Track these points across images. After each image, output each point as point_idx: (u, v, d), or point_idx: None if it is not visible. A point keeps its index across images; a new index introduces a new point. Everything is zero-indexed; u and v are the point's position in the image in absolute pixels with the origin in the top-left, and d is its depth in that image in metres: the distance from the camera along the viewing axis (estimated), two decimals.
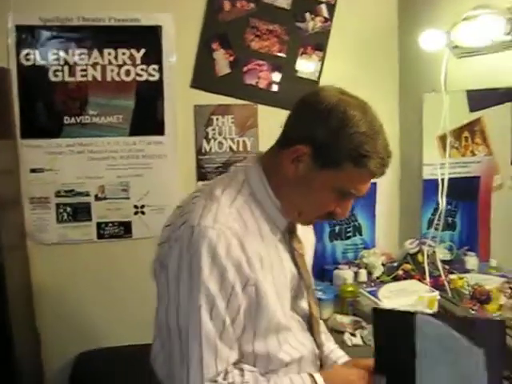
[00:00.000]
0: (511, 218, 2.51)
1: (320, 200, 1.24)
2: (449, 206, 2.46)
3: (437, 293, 2.18)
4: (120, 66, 2.41)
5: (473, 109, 2.47)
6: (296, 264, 1.34)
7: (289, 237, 1.33)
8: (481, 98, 2.39)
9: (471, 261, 2.45)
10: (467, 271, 2.41)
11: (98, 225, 2.48)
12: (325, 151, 1.17)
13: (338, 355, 1.47)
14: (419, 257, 2.45)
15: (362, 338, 2.02)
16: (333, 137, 1.16)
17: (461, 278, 2.16)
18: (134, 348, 2.30)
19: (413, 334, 1.35)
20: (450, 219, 2.50)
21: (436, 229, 2.53)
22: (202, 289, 1.13)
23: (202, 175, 2.52)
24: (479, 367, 1.22)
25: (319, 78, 2.57)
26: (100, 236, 2.49)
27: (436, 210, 2.55)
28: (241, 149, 2.54)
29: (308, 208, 1.27)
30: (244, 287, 1.16)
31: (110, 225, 2.48)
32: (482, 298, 2.03)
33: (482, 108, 2.49)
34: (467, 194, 2.48)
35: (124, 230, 2.50)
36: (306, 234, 1.42)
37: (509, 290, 2.03)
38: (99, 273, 2.52)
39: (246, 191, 1.25)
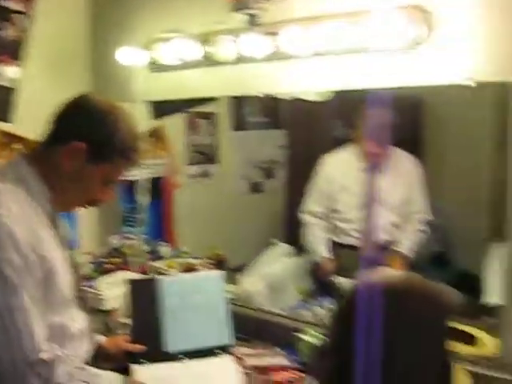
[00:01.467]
0: (190, 211, 3.03)
1: (90, 189, 1.52)
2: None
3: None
4: None
5: (156, 117, 2.90)
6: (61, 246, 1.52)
7: (53, 223, 1.51)
8: (162, 108, 2.84)
9: (164, 250, 2.87)
10: (162, 258, 2.82)
11: None
12: (100, 149, 1.45)
13: None
14: (124, 250, 2.73)
15: None
16: (108, 137, 1.46)
17: (173, 262, 2.55)
18: None
19: (160, 295, 1.78)
20: (142, 215, 2.86)
21: (132, 225, 2.88)
22: (12, 271, 1.27)
23: None
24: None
25: (17, 85, 2.60)
26: None
27: (131, 208, 2.90)
28: None
29: (77, 197, 1.53)
30: (41, 264, 1.34)
31: None
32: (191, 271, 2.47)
33: (162, 116, 2.94)
34: (155, 192, 2.89)
35: None
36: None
37: (209, 265, 2.52)
38: None
39: (22, 186, 1.41)
